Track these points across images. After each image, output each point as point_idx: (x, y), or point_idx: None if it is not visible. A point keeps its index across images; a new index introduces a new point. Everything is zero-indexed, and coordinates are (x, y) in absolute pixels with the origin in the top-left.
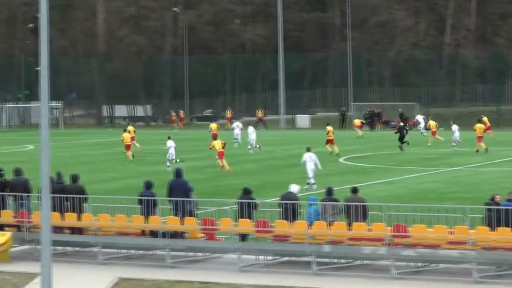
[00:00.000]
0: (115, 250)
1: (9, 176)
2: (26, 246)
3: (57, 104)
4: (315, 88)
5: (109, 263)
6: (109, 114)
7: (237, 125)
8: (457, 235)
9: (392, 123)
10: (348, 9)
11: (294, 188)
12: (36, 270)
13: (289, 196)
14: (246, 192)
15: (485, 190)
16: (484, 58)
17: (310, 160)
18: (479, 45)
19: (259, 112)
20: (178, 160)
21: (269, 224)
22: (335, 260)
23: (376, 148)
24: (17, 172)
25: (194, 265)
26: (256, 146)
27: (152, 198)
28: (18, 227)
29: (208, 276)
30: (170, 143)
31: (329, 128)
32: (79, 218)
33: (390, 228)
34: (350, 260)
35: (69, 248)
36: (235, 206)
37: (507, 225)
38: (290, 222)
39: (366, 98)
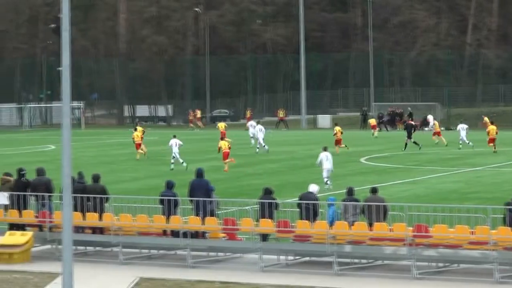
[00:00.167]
0: (136, 250)
1: (31, 176)
2: (48, 246)
3: (79, 104)
4: (337, 88)
5: (130, 263)
6: (130, 114)
7: (251, 124)
8: (479, 235)
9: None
10: (370, 9)
11: (313, 188)
12: (57, 270)
13: (309, 196)
14: (267, 192)
15: (507, 190)
16: (505, 58)
17: (326, 159)
18: (500, 45)
19: (281, 112)
20: (183, 164)
21: (290, 224)
22: (356, 260)
23: (397, 148)
24: (40, 172)
25: (215, 265)
26: (264, 146)
27: (173, 198)
28: (39, 227)
29: (229, 276)
30: (173, 142)
31: (337, 128)
32: (100, 218)
33: (411, 228)
34: (371, 260)
35: (90, 248)
36: (256, 206)
37: None
38: (312, 222)
39: (388, 98)
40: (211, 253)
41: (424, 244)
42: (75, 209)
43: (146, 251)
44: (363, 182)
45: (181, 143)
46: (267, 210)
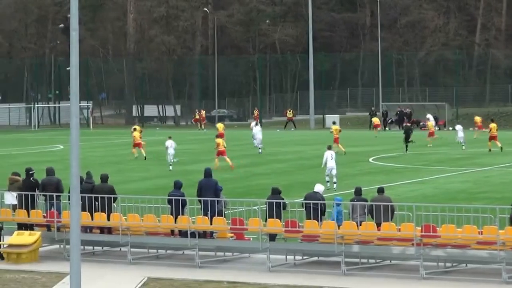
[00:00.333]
0: (144, 250)
1: (39, 176)
2: (56, 246)
3: (87, 104)
4: (345, 88)
5: (138, 263)
6: (139, 114)
7: (256, 124)
8: (487, 235)
9: (422, 123)
10: (378, 9)
11: (319, 187)
12: (65, 270)
13: (315, 196)
14: (275, 192)
15: None
16: None
17: (331, 158)
18: (509, 45)
19: (289, 112)
20: (175, 160)
21: (298, 224)
22: (364, 260)
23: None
24: (49, 171)
25: (222, 265)
26: (259, 147)
27: (181, 198)
28: (48, 227)
29: (236, 276)
30: (168, 143)
31: (334, 127)
32: (108, 218)
33: (419, 228)
34: (379, 260)
35: (98, 248)
36: (264, 206)
37: None
38: (319, 222)
39: (396, 98)
40: (219, 253)
41: (432, 244)
42: (83, 209)
43: (154, 251)
44: (372, 182)
45: (175, 146)
46: (275, 210)
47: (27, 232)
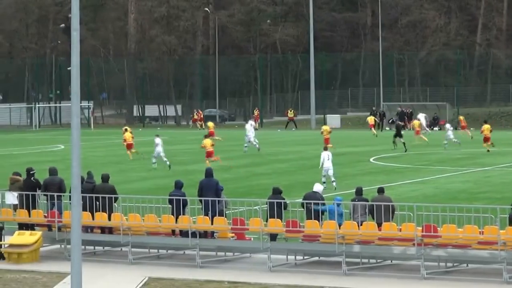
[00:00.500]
0: (145, 250)
1: (40, 176)
2: (57, 246)
3: (88, 104)
4: (346, 88)
5: (139, 263)
6: (140, 114)
7: (250, 123)
8: (487, 235)
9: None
10: (379, 9)
11: (318, 187)
12: (66, 270)
13: (314, 195)
14: (276, 192)
15: None
16: None
17: (328, 158)
18: (510, 45)
19: (290, 112)
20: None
21: (299, 224)
22: (365, 260)
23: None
24: (52, 171)
25: (223, 265)
26: (246, 146)
27: (182, 198)
28: (48, 227)
29: (237, 276)
30: (158, 141)
31: (324, 127)
32: (109, 218)
33: (420, 228)
34: (380, 260)
35: (99, 248)
36: (265, 206)
37: None
38: (319, 221)
39: (397, 98)
40: (220, 253)
41: (433, 244)
42: (84, 209)
43: (155, 251)
44: (372, 182)
45: (161, 143)
46: (276, 210)
47: (28, 232)
